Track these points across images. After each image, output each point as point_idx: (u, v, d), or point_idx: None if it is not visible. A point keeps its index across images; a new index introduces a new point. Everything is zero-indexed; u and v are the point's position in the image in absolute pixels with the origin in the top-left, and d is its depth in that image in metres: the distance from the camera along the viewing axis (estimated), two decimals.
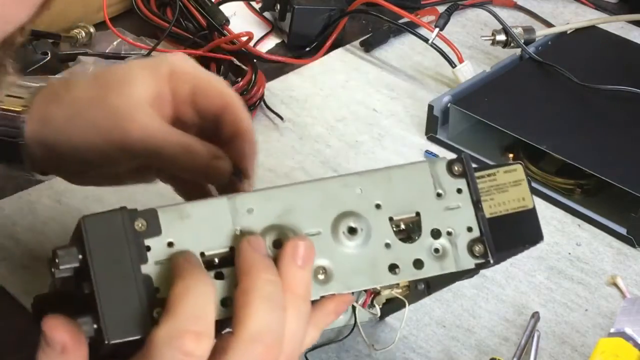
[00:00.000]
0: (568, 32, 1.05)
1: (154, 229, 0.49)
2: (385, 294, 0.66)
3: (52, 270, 0.48)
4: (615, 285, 0.77)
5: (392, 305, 0.69)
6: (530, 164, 0.87)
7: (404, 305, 0.65)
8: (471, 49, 1.06)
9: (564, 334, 0.73)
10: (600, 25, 1.07)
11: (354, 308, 0.70)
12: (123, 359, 0.49)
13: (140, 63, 0.66)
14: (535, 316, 0.73)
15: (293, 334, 0.49)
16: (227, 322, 0.49)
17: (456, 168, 0.55)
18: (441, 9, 1.05)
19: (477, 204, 0.55)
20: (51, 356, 0.47)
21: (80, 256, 0.48)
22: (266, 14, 1.09)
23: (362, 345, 0.70)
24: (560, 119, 0.91)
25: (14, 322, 0.71)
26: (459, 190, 0.55)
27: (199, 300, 0.47)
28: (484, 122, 0.88)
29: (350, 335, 0.70)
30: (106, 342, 0.47)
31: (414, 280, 0.64)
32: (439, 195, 0.54)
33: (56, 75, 0.93)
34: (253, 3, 1.11)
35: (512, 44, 1.01)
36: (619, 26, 1.10)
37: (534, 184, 0.86)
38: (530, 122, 0.89)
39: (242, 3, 1.10)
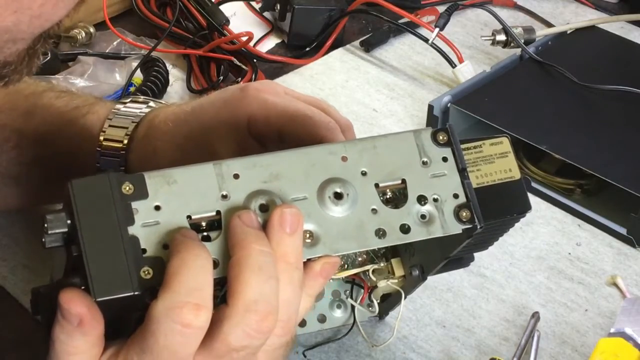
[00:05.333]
0: (568, 32, 1.05)
1: (141, 193, 0.50)
2: (382, 285, 0.66)
3: (43, 239, 0.49)
4: (615, 285, 0.77)
5: (390, 302, 0.69)
6: (530, 164, 0.88)
7: (400, 298, 0.66)
8: (471, 49, 1.06)
9: (564, 334, 0.73)
10: (600, 25, 1.07)
11: (353, 307, 0.70)
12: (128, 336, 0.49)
13: (218, 117, 0.67)
14: (535, 316, 0.73)
15: (288, 302, 0.50)
16: (222, 296, 0.50)
17: (441, 137, 0.55)
18: (441, 9, 1.05)
19: (462, 172, 0.55)
20: (67, 330, 0.48)
21: (68, 221, 0.48)
22: (266, 14, 1.09)
23: (361, 345, 0.70)
24: (560, 119, 0.91)
25: (14, 322, 0.71)
26: (445, 159, 0.55)
27: (196, 273, 0.48)
28: (484, 122, 0.88)
29: (350, 335, 0.70)
30: (94, 299, 0.47)
31: (409, 265, 0.65)
32: (424, 163, 0.54)
33: (56, 76, 0.93)
34: (253, 3, 1.11)
35: (512, 44, 1.01)
36: (619, 26, 1.10)
37: (534, 184, 0.86)
38: (530, 122, 0.89)
39: (242, 3, 1.10)
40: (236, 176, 0.51)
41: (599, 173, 0.82)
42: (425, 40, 1.00)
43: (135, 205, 0.49)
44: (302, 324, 0.70)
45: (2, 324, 0.71)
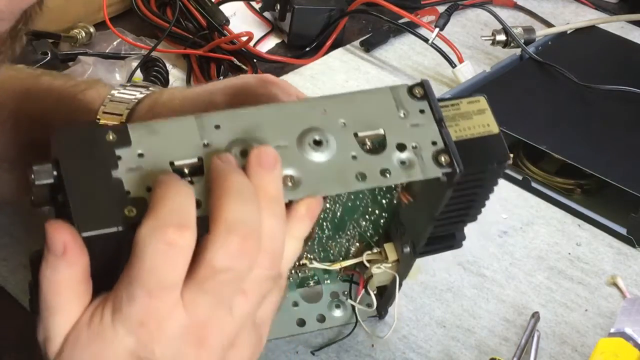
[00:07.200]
0: (568, 32, 1.05)
1: (124, 141, 0.51)
2: (377, 273, 0.66)
3: (32, 198, 0.50)
4: (615, 285, 0.77)
5: (387, 297, 0.69)
6: (530, 164, 0.88)
7: (395, 285, 0.66)
8: (471, 49, 1.06)
9: (564, 334, 0.73)
10: (600, 25, 1.07)
11: (352, 307, 0.70)
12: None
13: (230, 103, 0.67)
14: (535, 316, 0.73)
15: (271, 233, 0.50)
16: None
17: (417, 90, 0.57)
18: (441, 9, 1.05)
19: (440, 122, 0.56)
20: (52, 263, 0.48)
21: (55, 172, 0.49)
22: (266, 14, 1.10)
23: (361, 345, 0.70)
24: (560, 119, 0.91)
25: (14, 322, 0.71)
26: (422, 111, 0.56)
27: (179, 199, 0.48)
28: None
29: (351, 336, 0.70)
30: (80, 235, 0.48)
31: (401, 244, 0.65)
32: (402, 115, 0.56)
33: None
34: (253, 3, 1.11)
35: (512, 44, 1.01)
36: (619, 26, 1.10)
37: (533, 184, 0.86)
38: (530, 122, 0.89)
39: (242, 3, 1.10)
40: (217, 127, 0.52)
41: (599, 173, 0.82)
42: (425, 40, 1.00)
43: (118, 152, 0.50)
44: (302, 323, 0.70)
45: (2, 324, 0.71)
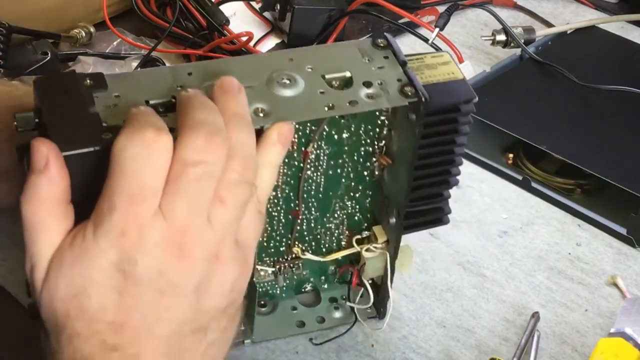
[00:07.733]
0: (568, 32, 1.05)
1: (101, 85, 0.54)
2: (368, 257, 0.67)
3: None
4: (615, 285, 0.77)
5: (383, 291, 0.69)
6: (530, 164, 0.88)
7: (388, 272, 0.67)
8: (471, 49, 1.06)
9: (564, 334, 0.73)
10: (600, 25, 1.07)
11: (352, 309, 0.70)
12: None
13: None
14: (535, 316, 0.73)
15: (240, 142, 0.50)
16: None
17: (380, 40, 0.60)
18: (441, 9, 1.05)
19: (404, 64, 0.59)
20: (33, 180, 0.49)
21: (36, 120, 0.52)
22: (266, 14, 1.09)
23: (361, 345, 0.70)
24: (560, 119, 0.91)
25: (14, 322, 0.71)
26: (386, 57, 0.60)
27: (153, 117, 0.50)
28: (484, 122, 0.88)
29: (350, 335, 0.70)
30: None
31: (387, 220, 0.65)
32: (366, 61, 0.59)
33: None
34: (253, 3, 1.10)
35: (512, 44, 1.01)
36: (619, 26, 1.10)
37: (533, 184, 0.86)
38: (530, 122, 0.89)
39: (242, 3, 1.10)
40: (190, 74, 0.56)
41: (599, 173, 0.82)
42: (425, 40, 1.00)
43: (96, 94, 0.53)
44: (301, 324, 0.70)
45: (2, 324, 0.71)
